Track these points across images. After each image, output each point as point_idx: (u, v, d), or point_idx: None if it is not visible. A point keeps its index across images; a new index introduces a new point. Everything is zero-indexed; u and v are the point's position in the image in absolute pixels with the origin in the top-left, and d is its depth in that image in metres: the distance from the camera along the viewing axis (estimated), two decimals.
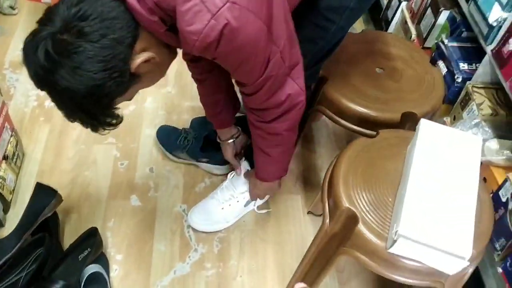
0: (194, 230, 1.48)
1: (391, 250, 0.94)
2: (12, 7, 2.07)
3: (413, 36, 1.75)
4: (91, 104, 0.86)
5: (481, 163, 1.29)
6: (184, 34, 0.83)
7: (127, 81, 0.88)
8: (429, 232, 0.90)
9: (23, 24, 2.06)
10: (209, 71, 1.30)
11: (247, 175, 1.44)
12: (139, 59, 0.87)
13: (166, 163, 1.65)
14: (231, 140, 1.45)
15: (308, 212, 1.57)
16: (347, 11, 1.09)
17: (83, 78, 0.81)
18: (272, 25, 0.90)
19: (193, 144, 1.59)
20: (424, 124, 1.07)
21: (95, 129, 0.94)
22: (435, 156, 1.02)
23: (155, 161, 1.65)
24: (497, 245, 1.20)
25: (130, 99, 0.97)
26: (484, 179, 1.28)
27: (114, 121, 0.94)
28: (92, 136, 1.69)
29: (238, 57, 0.91)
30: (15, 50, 1.94)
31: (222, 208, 1.46)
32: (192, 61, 1.30)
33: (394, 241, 0.92)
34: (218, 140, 1.48)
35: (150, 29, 0.87)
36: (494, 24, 1.26)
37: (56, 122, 1.72)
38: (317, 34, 1.12)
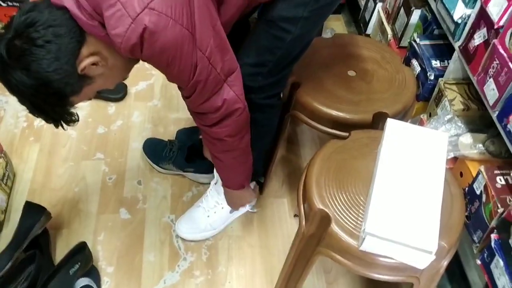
0: (183, 239, 1.51)
1: (362, 248, 0.97)
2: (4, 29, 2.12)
3: (389, 36, 1.78)
4: (41, 101, 0.95)
5: (457, 158, 1.32)
6: (111, 37, 0.91)
7: (76, 82, 0.96)
8: (395, 228, 0.93)
9: None
10: None
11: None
12: (84, 62, 0.95)
13: (153, 175, 1.68)
14: None
15: (295, 215, 1.59)
16: (301, 20, 1.11)
17: (30, 78, 0.91)
18: (196, 32, 0.96)
19: (178, 155, 1.63)
20: (391, 123, 1.10)
21: (56, 124, 1.03)
22: (402, 154, 1.05)
23: (143, 173, 1.69)
24: (475, 238, 1.23)
25: (89, 99, 1.06)
26: (461, 174, 1.30)
27: (71, 118, 1.03)
28: (80, 153, 1.73)
29: (162, 60, 0.97)
30: None
31: (208, 216, 1.49)
32: None
33: (363, 239, 0.95)
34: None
35: (93, 34, 0.94)
36: (459, 21, 1.29)
37: (46, 141, 1.77)
38: (274, 44, 1.14)
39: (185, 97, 1.14)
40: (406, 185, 1.00)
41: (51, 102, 0.97)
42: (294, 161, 1.77)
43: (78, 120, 1.06)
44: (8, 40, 0.90)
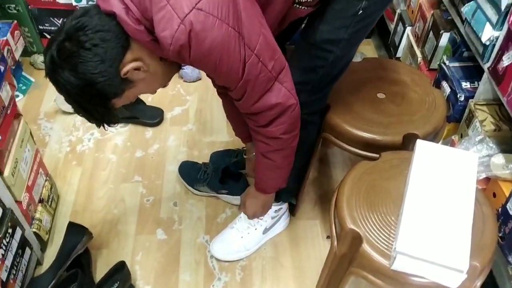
0: (217, 259, 1.55)
1: (393, 267, 0.98)
2: None
3: (419, 59, 1.80)
4: (86, 100, 1.02)
5: (489, 178, 1.32)
6: (160, 40, 0.95)
7: (119, 85, 1.02)
8: (426, 247, 0.94)
9: None
10: None
11: (243, 195, 1.48)
12: (128, 66, 1.00)
13: (189, 197, 1.74)
14: (253, 154, 1.49)
15: (327, 237, 1.61)
16: (342, 42, 1.16)
17: (77, 78, 0.97)
18: (243, 31, 0.99)
19: (212, 177, 1.68)
20: (421, 144, 1.12)
21: (98, 124, 1.09)
22: (432, 174, 1.06)
23: (179, 195, 1.74)
24: (510, 259, 1.21)
25: (131, 101, 1.11)
26: (494, 194, 1.30)
27: (112, 119, 1.09)
28: (119, 176, 1.81)
29: (210, 60, 0.99)
30: (49, 101, 2.11)
31: (242, 237, 1.53)
32: None
33: (394, 258, 0.96)
34: (245, 156, 1.55)
35: (138, 39, 0.99)
36: (487, 43, 1.30)
37: (87, 165, 1.85)
38: (317, 64, 1.19)
39: (236, 100, 1.14)
40: (437, 205, 1.01)
41: (95, 103, 1.02)
42: (325, 183, 1.79)
43: (119, 122, 1.11)
44: (59, 42, 0.97)
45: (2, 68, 1.37)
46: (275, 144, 1.21)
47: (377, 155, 1.23)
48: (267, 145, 1.22)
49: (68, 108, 2.06)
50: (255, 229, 1.52)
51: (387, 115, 1.34)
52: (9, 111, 1.39)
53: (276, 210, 1.55)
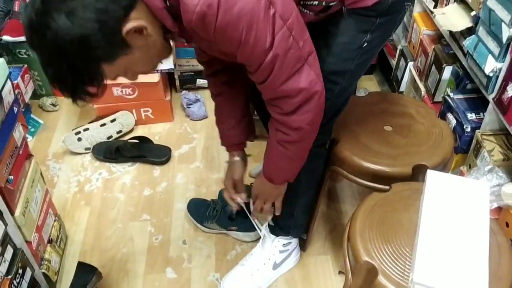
0: None
1: None
2: (53, 104, 2.30)
3: (423, 92, 1.83)
4: (77, 54, 0.88)
5: (501, 208, 1.32)
6: (184, 1, 0.87)
7: (117, 45, 0.90)
8: (443, 277, 0.93)
9: (63, 119, 2.27)
10: (226, 83, 1.35)
11: (257, 175, 1.42)
12: (132, 24, 0.89)
13: (198, 234, 1.73)
14: (237, 158, 1.45)
15: (339, 272, 1.59)
16: (348, 73, 1.19)
17: (74, 24, 0.84)
18: (277, 1, 0.93)
19: (221, 214, 1.68)
20: (431, 175, 1.12)
21: (75, 95, 0.95)
22: (445, 204, 1.06)
23: (188, 233, 1.73)
24: None
25: (115, 77, 0.99)
26: (506, 224, 1.29)
27: (95, 86, 0.95)
28: (128, 215, 1.81)
29: (237, 28, 0.91)
30: (58, 142, 2.13)
31: (252, 275, 1.51)
32: (211, 74, 1.37)
33: None
34: (226, 162, 1.51)
35: (150, 4, 0.90)
36: (491, 74, 1.33)
37: (95, 204, 1.85)
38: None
39: (261, 83, 1.05)
40: (451, 235, 1.01)
41: (89, 58, 0.89)
42: (335, 217, 1.78)
43: (103, 91, 0.98)
44: None
45: (16, 110, 1.40)
46: (295, 135, 1.13)
47: (386, 187, 1.24)
48: (286, 135, 1.14)
49: (77, 148, 2.11)
50: (264, 263, 1.50)
51: (395, 147, 1.36)
52: (21, 152, 1.40)
53: (284, 244, 1.54)
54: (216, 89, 1.39)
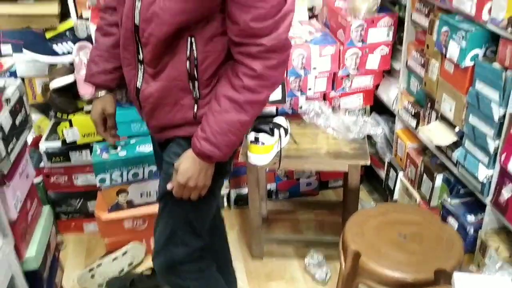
0: None
1: None
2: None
3: (418, 199, 1.99)
4: None
5: None
6: None
7: None
8: None
9: (71, 257, 2.26)
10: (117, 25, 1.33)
11: (176, 164, 1.26)
12: None
13: None
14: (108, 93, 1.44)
15: None
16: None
17: None
18: None
19: None
20: (458, 277, 1.22)
21: None
22: None
23: None
24: None
25: None
26: None
27: None
28: None
29: None
30: (68, 281, 2.10)
31: None
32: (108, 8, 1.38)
33: None
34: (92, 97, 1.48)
35: None
36: (484, 181, 1.50)
37: None
38: None
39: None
40: None
41: None
42: None
43: None
44: None
45: None
46: (257, 82, 1.14)
47: None
48: (244, 77, 1.14)
49: (91, 286, 2.05)
50: None
51: (412, 253, 1.46)
52: None
53: None
54: (106, 27, 1.39)
